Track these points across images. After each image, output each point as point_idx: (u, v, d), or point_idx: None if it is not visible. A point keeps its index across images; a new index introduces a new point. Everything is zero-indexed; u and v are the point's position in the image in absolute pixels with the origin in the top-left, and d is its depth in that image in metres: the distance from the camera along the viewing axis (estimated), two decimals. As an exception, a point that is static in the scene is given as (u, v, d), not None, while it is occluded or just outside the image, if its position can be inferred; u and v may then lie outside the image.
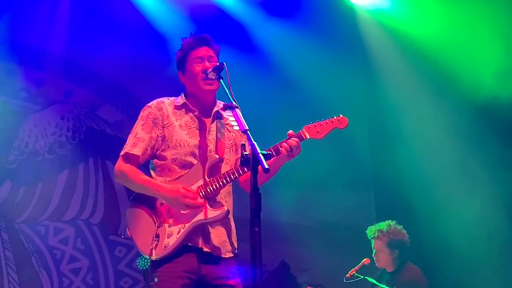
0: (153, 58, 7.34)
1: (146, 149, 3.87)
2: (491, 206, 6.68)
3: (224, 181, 3.78)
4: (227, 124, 4.00)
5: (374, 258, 6.24)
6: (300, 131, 3.81)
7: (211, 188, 3.78)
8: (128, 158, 3.87)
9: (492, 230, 6.63)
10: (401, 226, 6.27)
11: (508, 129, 6.66)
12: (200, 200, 3.74)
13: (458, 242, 6.75)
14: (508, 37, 6.54)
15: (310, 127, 3.83)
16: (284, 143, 3.74)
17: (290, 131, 3.80)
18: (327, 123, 3.86)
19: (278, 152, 3.75)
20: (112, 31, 7.24)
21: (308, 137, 3.81)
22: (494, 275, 6.54)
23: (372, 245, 6.29)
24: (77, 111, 7.26)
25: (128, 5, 7.23)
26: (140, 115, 3.95)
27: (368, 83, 7.78)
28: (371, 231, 6.30)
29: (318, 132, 3.83)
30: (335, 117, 3.88)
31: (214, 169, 3.84)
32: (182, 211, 3.76)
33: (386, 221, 6.31)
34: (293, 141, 3.75)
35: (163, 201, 3.78)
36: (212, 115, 3.96)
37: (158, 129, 3.88)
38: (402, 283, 5.98)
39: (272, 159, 3.77)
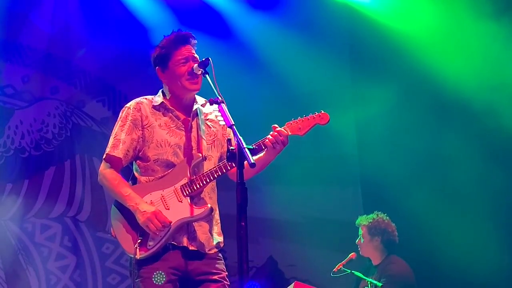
0: (138, 54, 7.31)
1: (128, 151, 3.86)
2: (485, 202, 6.72)
3: (208, 179, 3.78)
4: (207, 120, 4.00)
5: (358, 245, 6.32)
6: (282, 127, 3.83)
7: (195, 187, 3.79)
8: (111, 160, 3.86)
9: (484, 226, 6.67)
10: (388, 218, 6.35)
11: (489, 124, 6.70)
12: (162, 230, 3.70)
13: (446, 239, 6.78)
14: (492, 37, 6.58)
15: (291, 123, 3.85)
16: (269, 136, 3.77)
17: (275, 125, 3.82)
18: (308, 119, 3.87)
19: (261, 148, 3.77)
20: (98, 27, 7.22)
21: (290, 133, 3.82)
22: (483, 271, 6.57)
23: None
24: (63, 108, 7.24)
25: (114, 1, 7.22)
26: (119, 116, 3.94)
27: (354, 78, 7.79)
28: (360, 219, 6.42)
29: (299, 128, 3.85)
30: (316, 113, 3.90)
31: (198, 167, 3.85)
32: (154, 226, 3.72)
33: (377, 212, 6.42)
34: (277, 134, 3.77)
35: (134, 214, 3.75)
36: (192, 112, 3.96)
37: (138, 130, 3.87)
38: (388, 276, 6.03)
39: (262, 154, 3.80)
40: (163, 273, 3.70)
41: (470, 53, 6.65)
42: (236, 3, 7.53)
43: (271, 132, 3.79)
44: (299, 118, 3.88)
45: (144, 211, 3.70)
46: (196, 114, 3.97)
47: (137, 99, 3.98)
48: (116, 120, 3.98)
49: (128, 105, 3.96)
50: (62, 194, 7.12)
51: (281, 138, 3.76)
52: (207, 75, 3.71)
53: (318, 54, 7.45)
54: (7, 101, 7.03)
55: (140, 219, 3.70)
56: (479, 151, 6.72)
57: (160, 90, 4.02)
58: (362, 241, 6.33)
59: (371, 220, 6.31)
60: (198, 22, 7.08)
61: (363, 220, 6.37)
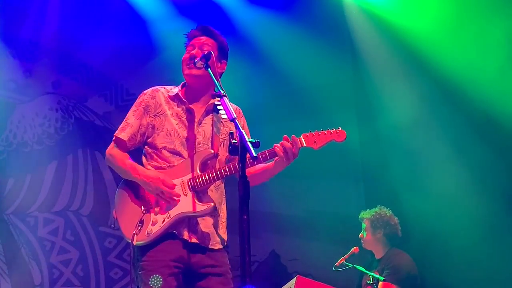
0: (141, 49, 7.34)
1: (134, 135, 3.90)
2: (484, 197, 6.70)
3: (214, 175, 3.78)
4: (223, 118, 3.97)
5: (360, 239, 6.34)
6: (298, 138, 3.81)
7: (202, 182, 3.78)
8: (117, 142, 3.92)
9: (485, 222, 6.65)
10: (391, 212, 6.38)
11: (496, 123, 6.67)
12: (177, 193, 3.75)
13: (448, 234, 6.77)
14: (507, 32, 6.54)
15: (308, 135, 3.84)
16: (279, 145, 3.76)
17: (285, 136, 3.79)
18: (325, 134, 3.87)
19: (273, 154, 3.76)
20: (100, 21, 7.23)
21: (305, 145, 3.82)
22: (485, 267, 6.56)
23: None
24: (65, 102, 7.24)
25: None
26: (135, 101, 4.00)
27: (356, 72, 7.78)
28: (362, 213, 6.45)
29: (315, 141, 3.84)
30: (334, 129, 3.89)
31: (207, 164, 3.86)
32: (164, 201, 3.77)
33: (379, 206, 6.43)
34: (290, 145, 3.76)
35: (142, 186, 3.79)
36: (206, 107, 3.95)
37: (149, 116, 3.91)
38: (391, 267, 6.04)
39: (269, 163, 3.81)
40: (159, 277, 3.69)
41: (469, 44, 6.64)
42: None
43: (282, 141, 3.77)
44: (316, 131, 3.86)
45: (150, 177, 3.75)
46: (212, 110, 3.97)
47: (155, 87, 4.04)
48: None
49: (145, 91, 4.02)
50: (64, 188, 7.13)
51: (293, 149, 3.75)
52: (209, 69, 3.71)
53: (320, 48, 7.44)
54: (10, 96, 7.04)
55: (151, 185, 3.74)
56: (481, 144, 6.70)
57: (182, 82, 4.03)
58: (365, 235, 6.35)
59: (374, 213, 6.34)
60: (199, 16, 7.09)
61: (366, 214, 6.40)
